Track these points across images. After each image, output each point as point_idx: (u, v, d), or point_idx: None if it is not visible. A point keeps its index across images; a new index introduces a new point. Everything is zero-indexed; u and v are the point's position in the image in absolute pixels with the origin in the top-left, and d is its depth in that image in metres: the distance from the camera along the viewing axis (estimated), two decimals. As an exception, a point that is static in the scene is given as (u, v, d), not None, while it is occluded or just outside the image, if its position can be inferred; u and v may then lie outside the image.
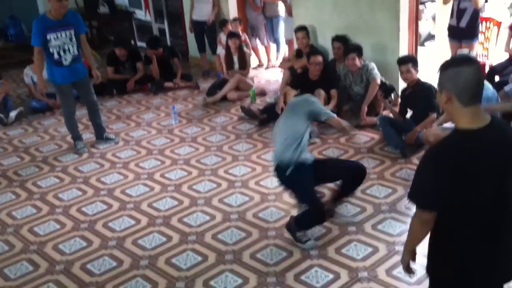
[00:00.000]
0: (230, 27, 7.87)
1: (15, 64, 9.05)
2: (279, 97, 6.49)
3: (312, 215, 4.07)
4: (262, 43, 8.50)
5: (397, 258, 3.81)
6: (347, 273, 3.74)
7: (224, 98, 7.14)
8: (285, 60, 7.72)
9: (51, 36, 5.49)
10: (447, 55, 6.71)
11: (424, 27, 8.61)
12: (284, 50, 8.46)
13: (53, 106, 7.25)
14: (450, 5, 6.50)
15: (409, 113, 5.66)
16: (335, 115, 4.43)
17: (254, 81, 7.59)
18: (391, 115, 5.83)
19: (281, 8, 8.19)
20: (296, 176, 4.06)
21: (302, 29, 6.84)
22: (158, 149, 5.93)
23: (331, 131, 5.81)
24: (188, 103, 7.26)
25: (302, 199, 4.15)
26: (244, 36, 7.94)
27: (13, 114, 7.05)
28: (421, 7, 7.67)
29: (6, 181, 5.50)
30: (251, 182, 5.07)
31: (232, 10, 8.25)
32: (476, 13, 6.36)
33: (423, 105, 5.33)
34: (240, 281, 3.76)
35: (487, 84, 4.58)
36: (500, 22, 6.95)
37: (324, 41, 6.85)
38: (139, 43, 9.83)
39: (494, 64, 6.54)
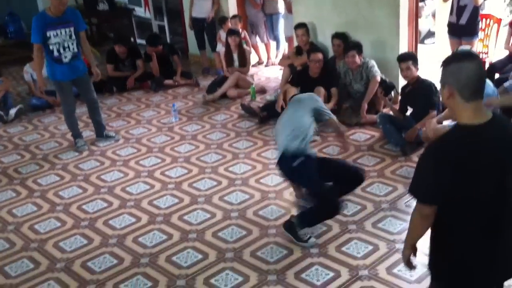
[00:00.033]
0: (229, 24, 7.85)
1: (15, 61, 9.03)
2: (279, 95, 6.48)
3: (321, 209, 4.05)
4: (262, 41, 8.49)
5: (398, 256, 3.82)
6: (347, 271, 3.74)
7: (224, 96, 7.13)
8: (284, 57, 7.71)
9: (50, 33, 5.49)
10: (447, 52, 6.72)
11: (424, 24, 8.60)
12: (284, 48, 8.45)
13: (53, 103, 7.24)
14: (450, 2, 6.50)
15: (409, 111, 5.66)
16: (335, 117, 4.47)
17: (254, 79, 7.59)
18: (391, 112, 5.83)
19: (281, 5, 8.18)
20: (304, 167, 4.04)
21: (301, 26, 6.83)
22: (158, 147, 5.93)
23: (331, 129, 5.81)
24: (188, 101, 7.26)
25: (313, 191, 4.12)
26: (243, 34, 7.93)
27: (12, 111, 7.05)
28: (420, 4, 7.66)
29: (6, 178, 5.50)
30: (251, 180, 5.07)
31: (231, 7, 8.25)
32: (476, 10, 6.35)
33: (423, 102, 5.33)
34: (240, 279, 3.77)
35: (487, 81, 4.58)
36: (500, 19, 6.95)
37: (324, 38, 6.85)
38: (139, 40, 9.81)
39: (494, 61, 6.54)
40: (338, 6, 6.63)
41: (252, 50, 8.13)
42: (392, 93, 6.06)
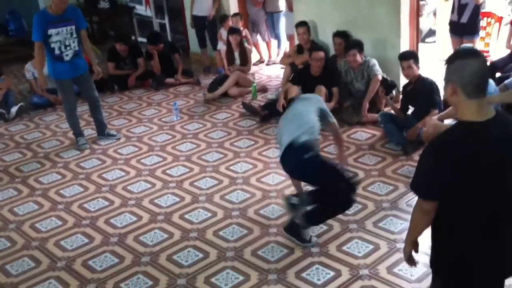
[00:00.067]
0: (230, 23, 7.84)
1: (16, 60, 9.05)
2: (280, 94, 6.48)
3: (334, 203, 3.96)
4: (263, 39, 8.48)
5: (398, 255, 3.83)
6: (348, 271, 3.75)
7: (226, 94, 7.13)
8: (286, 56, 7.71)
9: (52, 32, 5.49)
10: (448, 51, 6.71)
11: (425, 23, 8.59)
12: (285, 46, 8.44)
13: (54, 102, 7.25)
14: (451, 0, 6.50)
15: (410, 110, 5.65)
16: (335, 121, 4.49)
17: (254, 77, 7.58)
18: (392, 111, 5.82)
19: (282, 3, 8.17)
20: (315, 160, 3.96)
21: (303, 24, 6.83)
22: (159, 146, 5.94)
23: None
24: (189, 99, 7.26)
25: (329, 183, 3.96)
26: (245, 32, 7.92)
27: (14, 109, 7.05)
28: (421, 2, 7.66)
29: (8, 177, 5.51)
30: (252, 178, 5.07)
31: (232, 5, 8.24)
32: (477, 8, 6.35)
33: (424, 101, 5.33)
34: (241, 278, 3.77)
35: (489, 80, 4.59)
36: (501, 18, 6.95)
37: (325, 36, 6.84)
38: (140, 39, 9.81)
39: (495, 60, 6.53)
40: (339, 5, 6.63)
41: (253, 49, 8.12)
42: (393, 92, 6.06)
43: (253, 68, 7.75)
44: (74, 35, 5.61)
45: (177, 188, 5.02)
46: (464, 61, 2.17)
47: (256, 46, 8.43)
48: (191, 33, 8.62)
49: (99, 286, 3.81)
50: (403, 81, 5.91)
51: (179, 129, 6.33)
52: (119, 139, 6.17)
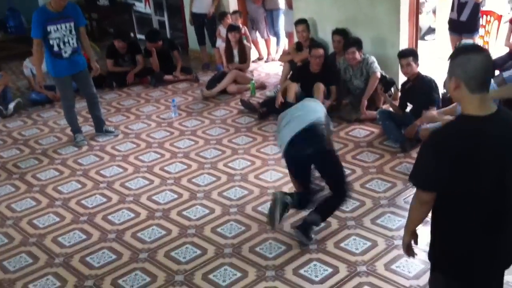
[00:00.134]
0: (229, 20, 7.83)
1: (15, 56, 9.03)
2: (278, 91, 6.48)
3: (340, 200, 4.09)
4: (262, 36, 8.47)
5: (396, 252, 3.83)
6: (346, 267, 3.74)
7: (224, 91, 7.12)
8: (285, 53, 7.69)
9: (51, 28, 5.48)
10: (447, 49, 6.71)
11: (425, 21, 8.58)
12: (284, 43, 8.43)
13: (52, 98, 7.24)
14: (451, -2, 6.49)
15: (409, 107, 5.65)
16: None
17: (253, 75, 7.57)
18: (391, 109, 5.82)
19: (281, 1, 8.16)
20: (334, 151, 4.16)
21: (302, 22, 6.82)
22: (157, 142, 5.93)
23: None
24: (187, 96, 7.25)
25: (337, 177, 4.09)
26: (244, 29, 7.91)
27: (11, 105, 7.04)
28: (421, 0, 7.65)
29: (5, 173, 5.50)
30: (250, 175, 5.07)
31: (232, 2, 8.22)
32: (476, 6, 6.35)
33: (423, 99, 5.32)
34: (239, 274, 3.77)
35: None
36: (501, 16, 6.94)
37: (324, 34, 6.83)
38: (139, 36, 9.80)
39: (494, 58, 6.52)
40: (339, 2, 6.62)
41: (252, 46, 8.11)
42: (392, 89, 6.06)
43: (252, 65, 7.75)
44: (73, 32, 5.61)
45: (175, 185, 5.01)
46: (467, 56, 2.18)
47: (255, 43, 8.42)
48: (190, 30, 8.61)
49: (96, 283, 3.81)
50: (402, 78, 5.91)
51: (177, 125, 6.33)
52: (117, 135, 6.16)
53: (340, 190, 4.09)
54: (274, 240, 4.10)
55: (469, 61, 2.16)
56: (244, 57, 7.41)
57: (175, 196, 4.83)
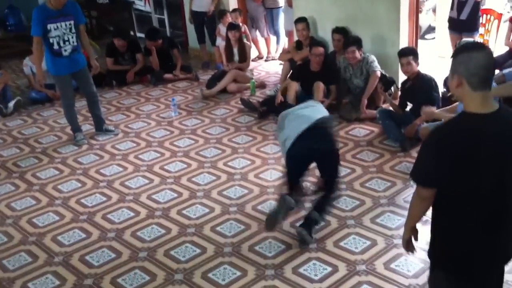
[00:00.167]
0: (228, 18, 7.82)
1: (15, 55, 9.03)
2: (278, 90, 6.48)
3: (336, 196, 4.23)
4: (262, 35, 8.46)
5: (396, 251, 3.84)
6: (345, 266, 3.75)
7: (224, 90, 7.11)
8: (285, 52, 7.69)
9: (51, 26, 5.47)
10: (447, 47, 6.71)
11: (425, 20, 8.58)
12: (284, 42, 8.43)
13: (52, 97, 7.23)
14: (451, -3, 6.48)
15: (408, 106, 5.65)
16: None
17: (253, 73, 7.57)
18: (390, 108, 5.82)
19: (281, -1, 8.16)
20: (337, 154, 4.24)
21: (302, 20, 6.81)
22: (157, 141, 5.93)
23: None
24: (187, 95, 7.25)
25: (336, 175, 4.22)
26: (244, 28, 7.90)
27: (11, 104, 7.04)
28: (421, -1, 7.65)
29: (5, 172, 5.50)
30: (250, 174, 5.07)
31: (231, 1, 8.21)
32: (476, 5, 6.34)
33: (423, 98, 5.31)
34: (238, 273, 3.77)
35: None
36: (501, 14, 6.93)
37: (324, 33, 6.83)
38: (139, 34, 9.79)
39: (494, 56, 6.51)
40: (339, 1, 6.61)
41: (252, 45, 8.11)
42: (392, 88, 6.05)
43: (251, 64, 7.74)
44: (73, 30, 5.60)
45: (174, 184, 5.01)
46: (470, 53, 2.18)
47: (255, 42, 8.41)
48: (190, 29, 8.60)
49: (96, 281, 3.81)
50: (402, 77, 5.90)
51: (177, 124, 6.32)
52: (117, 134, 6.16)
53: (334, 187, 4.18)
54: (274, 239, 4.10)
55: (471, 58, 2.17)
56: (244, 56, 7.40)
57: (175, 195, 4.83)
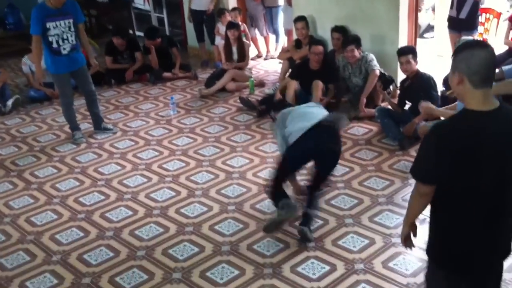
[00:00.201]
0: (227, 17, 7.81)
1: (14, 53, 9.03)
2: (277, 89, 6.47)
3: (324, 189, 4.30)
4: (261, 34, 8.46)
5: (394, 250, 3.83)
6: (343, 265, 3.74)
7: (223, 89, 7.11)
8: (284, 50, 7.69)
9: (50, 25, 5.47)
10: (446, 46, 6.70)
11: (424, 18, 8.58)
12: (283, 41, 8.42)
13: (51, 95, 7.22)
14: (450, -4, 6.48)
15: (407, 105, 5.64)
16: None
17: (252, 72, 7.56)
18: (389, 106, 5.81)
19: (280, -2, 8.15)
20: (339, 155, 4.25)
21: (301, 19, 6.81)
22: (156, 140, 5.92)
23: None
24: (186, 94, 7.24)
25: (330, 173, 4.29)
26: (243, 27, 7.89)
27: (10, 102, 7.03)
28: (420, -2, 7.63)
29: (3, 170, 5.49)
30: (248, 173, 5.06)
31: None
32: (476, 4, 6.34)
33: (421, 97, 5.29)
34: (236, 272, 3.76)
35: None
36: (500, 13, 6.93)
37: (324, 31, 6.82)
38: (138, 33, 9.79)
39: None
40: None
41: (251, 43, 8.10)
42: (391, 87, 6.05)
43: (250, 63, 7.73)
44: (72, 29, 5.59)
45: (173, 183, 5.00)
46: (471, 51, 2.19)
47: (254, 41, 8.41)
48: (189, 28, 8.60)
49: (94, 280, 3.80)
50: (400, 76, 5.90)
51: (176, 123, 6.32)
52: (115, 133, 6.15)
53: (325, 183, 4.25)
54: (272, 238, 4.09)
55: (472, 56, 2.17)
56: (243, 55, 7.39)
57: (173, 193, 4.82)
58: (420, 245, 2.74)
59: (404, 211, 3.61)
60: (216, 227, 4.29)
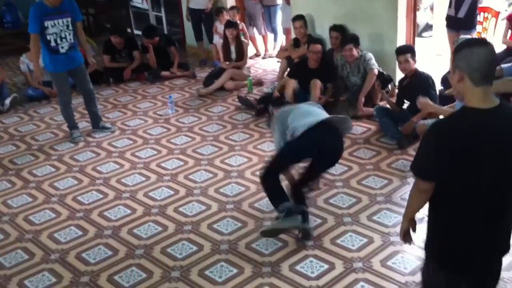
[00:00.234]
0: (225, 16, 7.81)
1: (11, 52, 9.02)
2: (276, 87, 6.47)
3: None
4: (260, 33, 8.45)
5: (392, 248, 3.84)
6: (342, 264, 3.75)
7: (221, 88, 7.11)
8: (282, 49, 7.68)
9: (48, 23, 5.46)
10: (445, 45, 6.71)
11: (422, 17, 8.58)
12: (282, 40, 8.42)
13: (49, 94, 7.22)
14: (448, -5, 6.48)
15: (406, 104, 5.65)
16: None
17: (250, 71, 7.56)
18: (388, 105, 5.82)
19: (279, -3, 8.15)
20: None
21: (300, 18, 6.80)
22: (154, 139, 5.92)
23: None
24: (184, 93, 7.24)
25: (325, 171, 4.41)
26: (241, 25, 7.89)
27: (7, 101, 7.02)
28: (419, -3, 7.65)
29: (1, 169, 5.48)
30: (247, 172, 5.06)
31: (230, -2, 8.22)
32: (474, 3, 6.35)
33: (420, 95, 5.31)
34: (235, 271, 3.76)
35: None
36: (498, 13, 6.94)
37: (322, 30, 6.82)
38: (136, 31, 9.78)
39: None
40: (337, -2, 6.62)
41: (250, 42, 8.10)
42: (389, 86, 6.05)
43: (249, 62, 7.73)
44: (70, 28, 5.59)
45: (171, 181, 5.00)
46: (472, 49, 2.19)
47: (253, 39, 8.41)
48: (188, 26, 8.59)
49: (92, 279, 3.80)
50: (399, 75, 5.90)
51: (174, 122, 6.31)
52: (113, 132, 6.15)
53: (316, 179, 4.37)
54: (271, 236, 4.10)
55: (473, 54, 2.18)
56: (242, 54, 7.38)
57: (172, 192, 4.82)
58: (418, 243, 2.74)
59: (402, 210, 3.62)
60: (215, 225, 4.29)
